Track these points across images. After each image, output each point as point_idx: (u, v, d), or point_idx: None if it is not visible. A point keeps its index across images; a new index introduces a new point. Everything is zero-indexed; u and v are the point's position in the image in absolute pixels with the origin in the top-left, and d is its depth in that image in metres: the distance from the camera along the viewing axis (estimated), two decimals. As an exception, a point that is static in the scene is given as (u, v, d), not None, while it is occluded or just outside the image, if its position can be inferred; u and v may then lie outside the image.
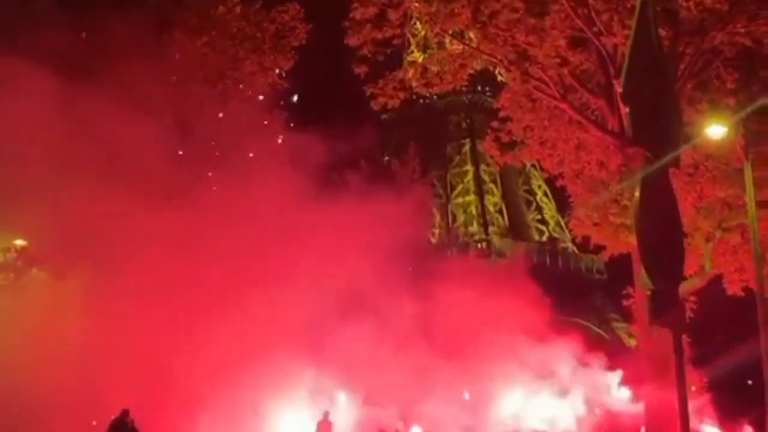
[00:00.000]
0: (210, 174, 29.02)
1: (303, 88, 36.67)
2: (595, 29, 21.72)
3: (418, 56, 77.35)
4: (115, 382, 22.75)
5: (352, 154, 33.05)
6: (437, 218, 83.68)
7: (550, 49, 22.24)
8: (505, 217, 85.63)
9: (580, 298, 71.77)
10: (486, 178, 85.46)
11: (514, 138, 26.40)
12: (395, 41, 25.23)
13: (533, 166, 67.31)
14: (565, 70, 22.99)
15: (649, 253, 8.51)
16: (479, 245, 78.63)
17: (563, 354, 26.57)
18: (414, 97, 61.25)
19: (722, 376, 38.95)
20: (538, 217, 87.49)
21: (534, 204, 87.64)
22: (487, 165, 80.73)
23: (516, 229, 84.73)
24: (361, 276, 25.23)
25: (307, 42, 30.60)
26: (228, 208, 25.41)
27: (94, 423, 20.93)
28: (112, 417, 19.08)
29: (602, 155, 24.84)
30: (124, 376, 23.07)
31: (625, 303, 32.31)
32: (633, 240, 19.63)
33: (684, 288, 13.82)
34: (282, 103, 32.72)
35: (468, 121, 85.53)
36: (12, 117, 22.71)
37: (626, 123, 20.61)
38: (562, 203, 37.86)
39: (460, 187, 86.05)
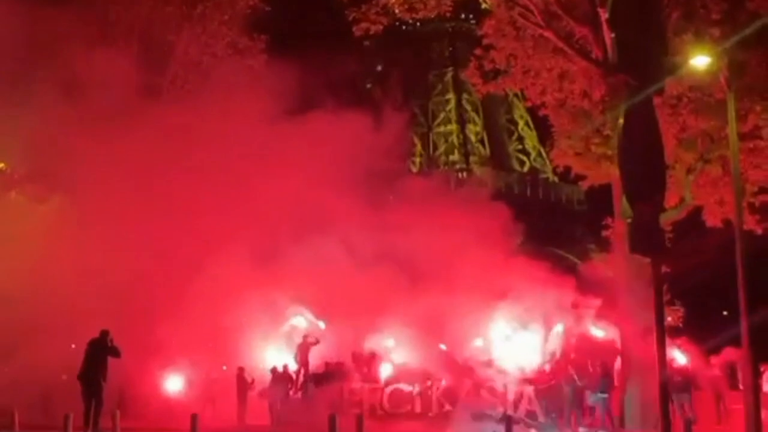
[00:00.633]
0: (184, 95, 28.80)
1: (284, 12, 36.12)
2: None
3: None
4: (95, 304, 22.79)
5: (333, 80, 32.73)
6: (418, 147, 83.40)
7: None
8: (487, 146, 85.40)
9: (559, 228, 72.06)
10: (468, 107, 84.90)
11: (497, 66, 26.18)
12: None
13: (516, 95, 67.05)
14: (550, -3, 22.74)
15: (630, 182, 8.49)
16: (460, 174, 78.46)
17: (525, 279, 26.01)
18: (397, 23, 60.59)
19: (699, 307, 39.65)
20: (520, 147, 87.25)
21: (516, 134, 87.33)
22: (470, 94, 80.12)
23: (497, 159, 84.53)
24: (322, 194, 25.18)
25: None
26: (198, 128, 25.31)
27: (73, 346, 20.95)
28: (92, 338, 19.09)
29: (586, 85, 24.65)
30: (103, 297, 23.14)
31: (604, 233, 32.53)
32: (615, 170, 19.64)
33: (663, 219, 13.82)
34: (262, 26, 32.21)
35: (451, 49, 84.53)
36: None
37: (611, 51, 20.47)
38: (544, 133, 37.68)
39: (441, 115, 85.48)
